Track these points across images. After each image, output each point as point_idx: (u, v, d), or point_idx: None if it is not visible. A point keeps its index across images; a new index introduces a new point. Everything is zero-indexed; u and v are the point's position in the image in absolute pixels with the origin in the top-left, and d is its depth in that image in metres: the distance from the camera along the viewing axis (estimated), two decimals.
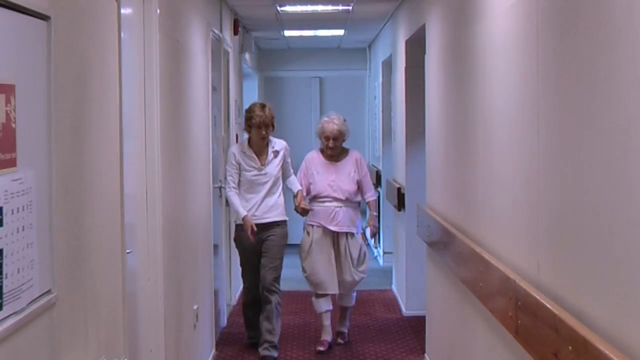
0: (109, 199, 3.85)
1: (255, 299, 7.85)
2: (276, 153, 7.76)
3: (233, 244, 8.41)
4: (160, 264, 5.18)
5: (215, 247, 8.25)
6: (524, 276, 3.87)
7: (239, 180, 7.71)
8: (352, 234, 8.11)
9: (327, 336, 8.18)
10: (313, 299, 8.25)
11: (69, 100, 3.24)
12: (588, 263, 3.03)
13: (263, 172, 7.69)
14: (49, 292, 2.91)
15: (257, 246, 7.70)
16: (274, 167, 7.73)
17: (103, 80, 3.78)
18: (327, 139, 8.14)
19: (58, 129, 3.02)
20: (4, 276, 2.48)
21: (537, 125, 3.69)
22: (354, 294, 8.43)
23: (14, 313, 2.57)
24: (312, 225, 8.10)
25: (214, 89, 8.15)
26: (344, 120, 8.23)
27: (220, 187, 8.64)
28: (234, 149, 7.85)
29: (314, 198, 8.11)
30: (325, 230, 8.06)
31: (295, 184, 8.02)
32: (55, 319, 3.00)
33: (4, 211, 2.48)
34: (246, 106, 8.20)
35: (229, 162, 7.76)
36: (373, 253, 12.99)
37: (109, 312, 3.81)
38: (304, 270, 8.14)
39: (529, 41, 3.85)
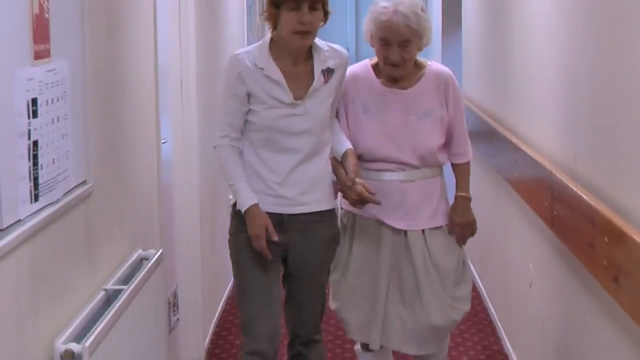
0: (144, 88, 3.84)
1: (264, 355, 3.72)
2: (328, 74, 3.70)
3: None
4: (196, 153, 5.18)
5: None
6: (560, 167, 3.85)
7: (247, 126, 3.71)
8: (437, 229, 4.05)
9: None
10: (356, 348, 4.33)
11: None
12: (625, 154, 3.00)
13: (300, 110, 3.65)
14: (84, 182, 2.93)
15: (276, 258, 3.74)
16: (321, 100, 3.70)
17: None
18: (387, 43, 3.88)
19: (92, 19, 3.00)
20: (39, 167, 2.49)
21: (576, 12, 3.62)
22: (446, 342, 4.31)
23: (49, 204, 2.58)
24: (355, 216, 4.03)
25: None
26: (421, 9, 3.91)
27: None
28: (239, 61, 3.65)
29: (358, 160, 3.91)
30: (382, 227, 4.00)
31: (341, 135, 3.90)
32: (91, 210, 3.02)
33: (39, 102, 2.48)
34: None
35: (226, 89, 3.70)
36: None
37: (145, 202, 3.83)
38: (332, 297, 4.13)
39: None
